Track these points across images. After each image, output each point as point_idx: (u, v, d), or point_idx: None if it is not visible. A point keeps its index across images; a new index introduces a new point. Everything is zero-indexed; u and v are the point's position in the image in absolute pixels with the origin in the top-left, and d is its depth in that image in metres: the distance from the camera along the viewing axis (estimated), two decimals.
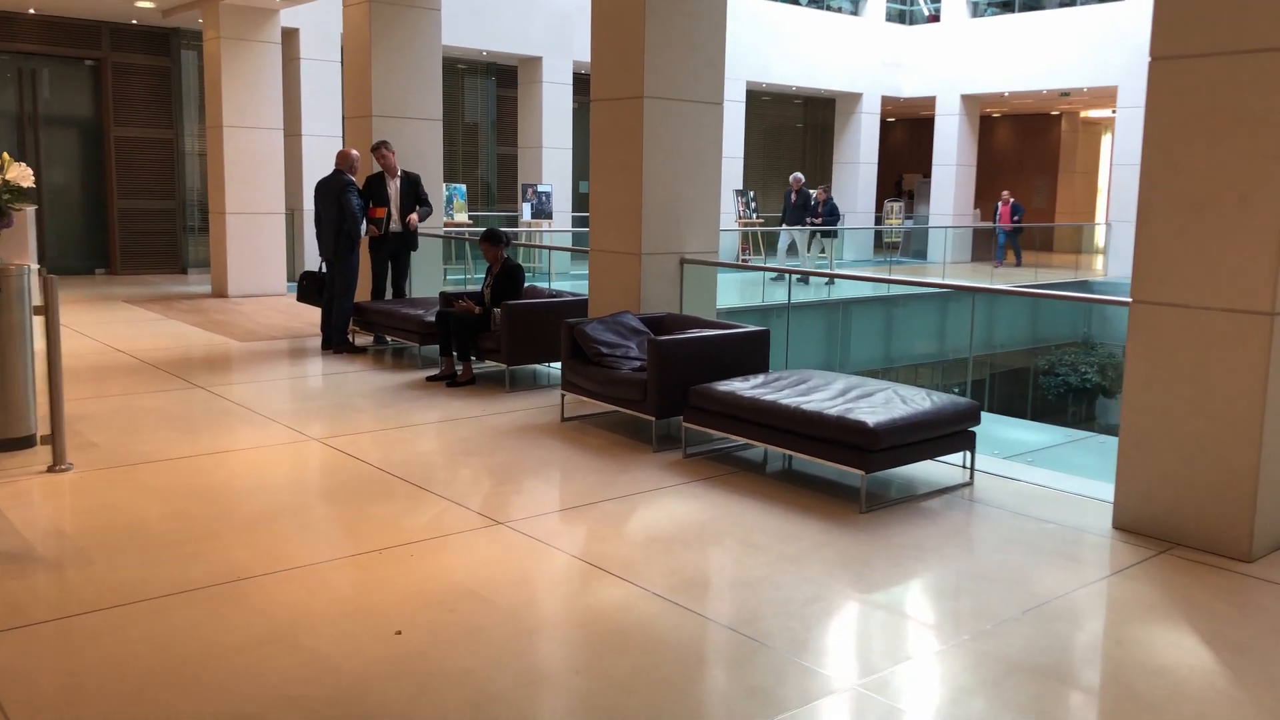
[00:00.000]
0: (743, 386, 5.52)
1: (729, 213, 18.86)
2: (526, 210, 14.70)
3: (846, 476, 5.26)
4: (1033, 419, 18.88)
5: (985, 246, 21.08)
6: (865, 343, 14.87)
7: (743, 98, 19.20)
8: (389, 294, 9.26)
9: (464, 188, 14.22)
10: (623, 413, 6.07)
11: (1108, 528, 4.62)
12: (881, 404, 5.11)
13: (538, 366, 8.08)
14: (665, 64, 6.80)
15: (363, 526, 4.49)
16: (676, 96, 6.89)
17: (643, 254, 6.86)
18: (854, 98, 21.20)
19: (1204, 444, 4.32)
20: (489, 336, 7.42)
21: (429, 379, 7.64)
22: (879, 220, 22.61)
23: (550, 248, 13.74)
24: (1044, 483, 5.32)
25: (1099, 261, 22.78)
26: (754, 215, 18.55)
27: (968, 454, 5.32)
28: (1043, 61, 19.57)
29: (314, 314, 9.90)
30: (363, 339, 9.21)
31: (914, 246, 22.21)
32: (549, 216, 14.84)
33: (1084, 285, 18.07)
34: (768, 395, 5.30)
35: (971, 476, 5.32)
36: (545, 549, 4.24)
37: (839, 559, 4.19)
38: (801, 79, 19.97)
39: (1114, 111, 24.26)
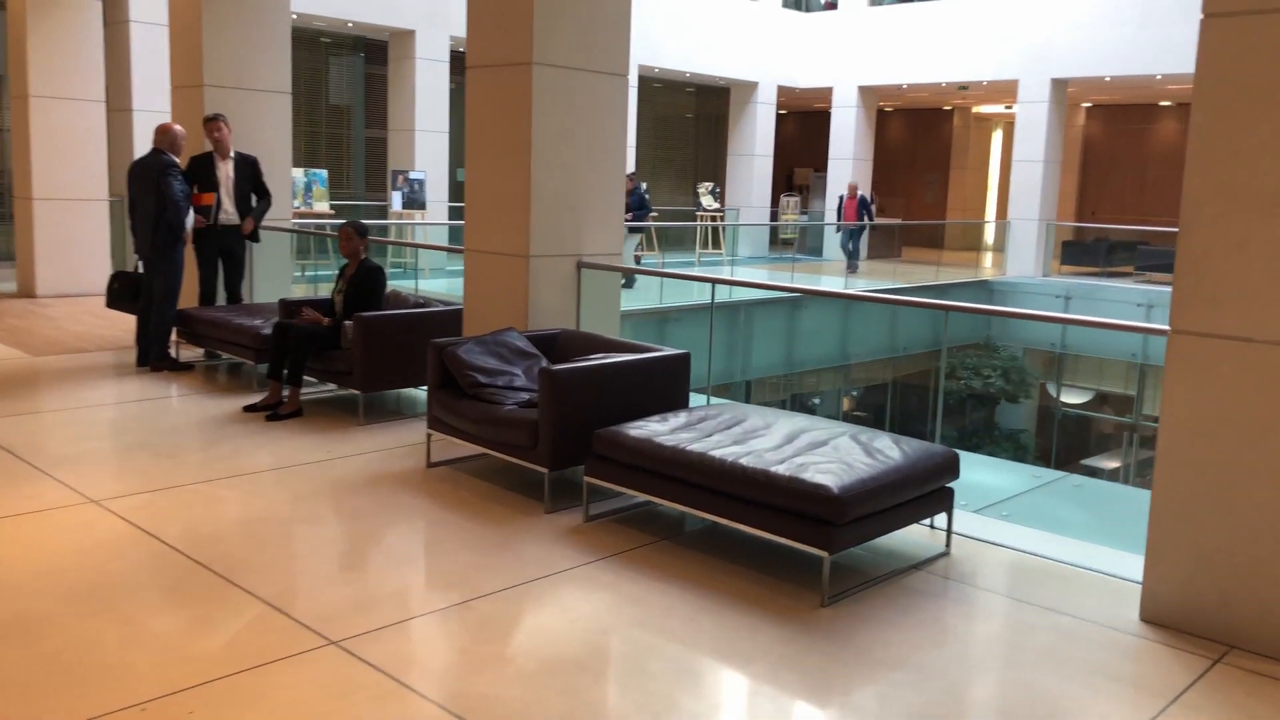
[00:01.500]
0: (661, 430, 4.31)
1: None
2: (397, 199, 13.19)
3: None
4: (932, 421, 18.34)
5: (885, 243, 20.47)
6: (766, 348, 13.90)
7: (634, 82, 18.02)
8: (221, 299, 7.72)
9: (325, 173, 12.61)
10: (507, 460, 4.80)
11: (1135, 621, 3.59)
12: (840, 456, 3.97)
13: (403, 390, 6.70)
14: (560, 25, 5.53)
15: (128, 659, 3.10)
16: (573, 65, 5.63)
17: (531, 256, 5.58)
18: (749, 87, 20.27)
19: (1267, 514, 3.32)
20: (340, 355, 6.02)
21: (246, 409, 6.17)
22: (774, 216, 21.79)
23: (414, 244, 12.15)
24: (1034, 549, 4.28)
25: (988, 259, 22.49)
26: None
27: (944, 515, 4.24)
28: (943, 53, 18.99)
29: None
30: (189, 353, 7.64)
31: (810, 244, 21.46)
32: (422, 207, 13.36)
33: (984, 286, 17.54)
34: (695, 444, 4.10)
35: (948, 542, 4.25)
36: (394, 689, 2.94)
37: (804, 686, 3.03)
38: (695, 64, 18.91)
39: (1008, 107, 24.05)
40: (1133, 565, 3.90)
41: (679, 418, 4.52)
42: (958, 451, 4.24)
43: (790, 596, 3.70)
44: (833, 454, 4.02)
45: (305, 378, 6.12)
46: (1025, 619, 3.60)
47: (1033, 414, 18.04)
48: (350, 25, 15.18)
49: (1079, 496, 5.43)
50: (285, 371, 6.04)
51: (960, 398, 16.15)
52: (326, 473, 5.00)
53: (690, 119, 23.04)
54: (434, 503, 4.63)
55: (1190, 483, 3.47)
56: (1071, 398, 17.87)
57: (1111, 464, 17.91)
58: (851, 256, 18.37)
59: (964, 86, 19.90)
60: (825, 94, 21.05)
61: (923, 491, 4.03)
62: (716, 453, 4.00)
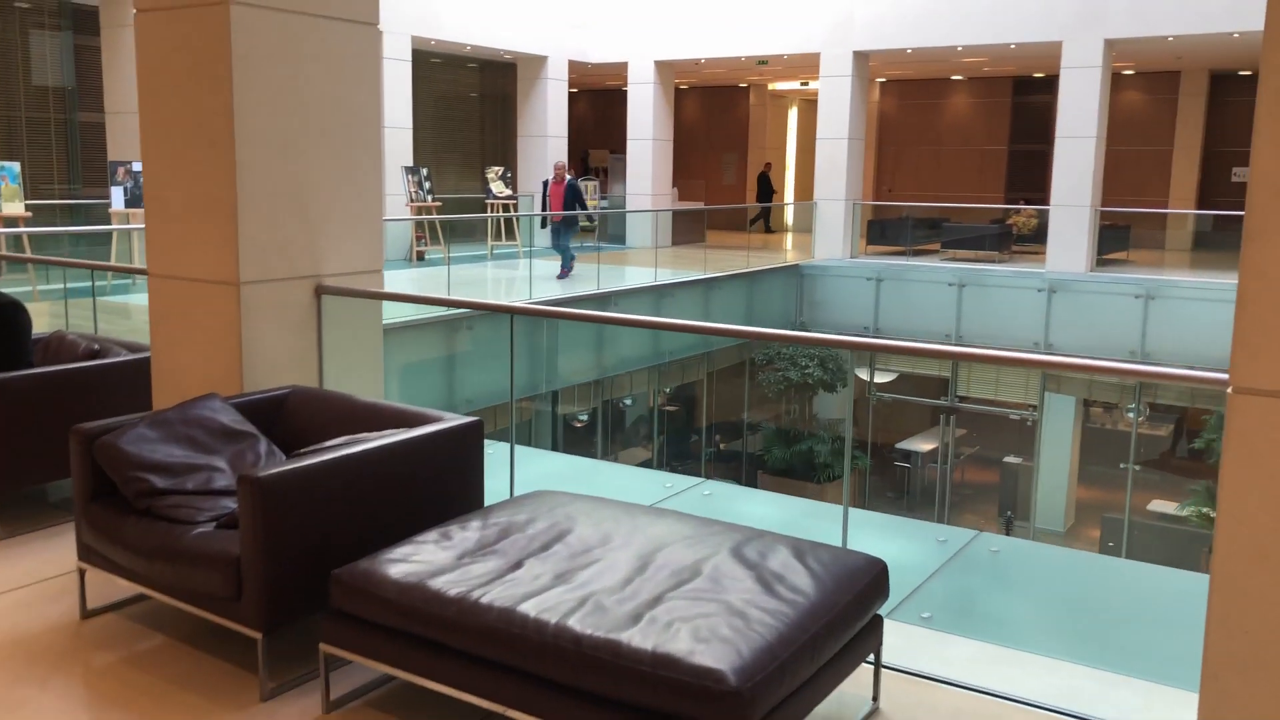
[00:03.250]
0: (440, 562, 2.75)
1: (397, 195, 15.76)
2: (118, 196, 10.85)
3: None
4: (750, 418, 17.51)
5: (690, 228, 19.38)
6: (575, 352, 12.45)
7: (408, 56, 16.08)
8: None
9: (16, 166, 10.10)
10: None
11: None
12: (724, 596, 2.54)
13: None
14: None
15: None
16: (295, 6, 3.91)
17: (243, 282, 3.85)
18: (537, 62, 18.67)
19: None
20: None
21: None
22: None
23: (52, 261, 9.20)
24: (991, 684, 3.01)
25: (789, 240, 21.92)
26: (429, 198, 15.56)
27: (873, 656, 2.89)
28: (742, 26, 18.02)
29: None
30: None
31: (612, 230, 20.14)
32: None
33: (795, 270, 16.74)
34: (496, 588, 2.57)
35: (876, 689, 2.91)
36: None
37: None
38: (476, 36, 17.13)
39: (804, 84, 23.54)
40: (1124, 695, 2.68)
41: (469, 533, 2.96)
42: (884, 560, 2.91)
43: None
44: (712, 593, 2.58)
45: None
46: None
47: (846, 401, 17.46)
48: None
49: (1005, 569, 4.26)
50: None
51: (778, 390, 15.29)
52: None
53: (475, 98, 21.20)
54: (89, 691, 2.88)
55: (1263, 589, 2.24)
56: (885, 380, 17.41)
57: (928, 445, 17.63)
58: (565, 256, 14.24)
59: (764, 61, 19.06)
60: (620, 70, 19.74)
61: (851, 635, 2.66)
62: (531, 607, 2.48)
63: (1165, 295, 14.13)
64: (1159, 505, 15.49)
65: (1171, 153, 21.03)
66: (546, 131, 18.81)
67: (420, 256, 15.30)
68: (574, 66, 19.68)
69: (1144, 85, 21.25)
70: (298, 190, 3.99)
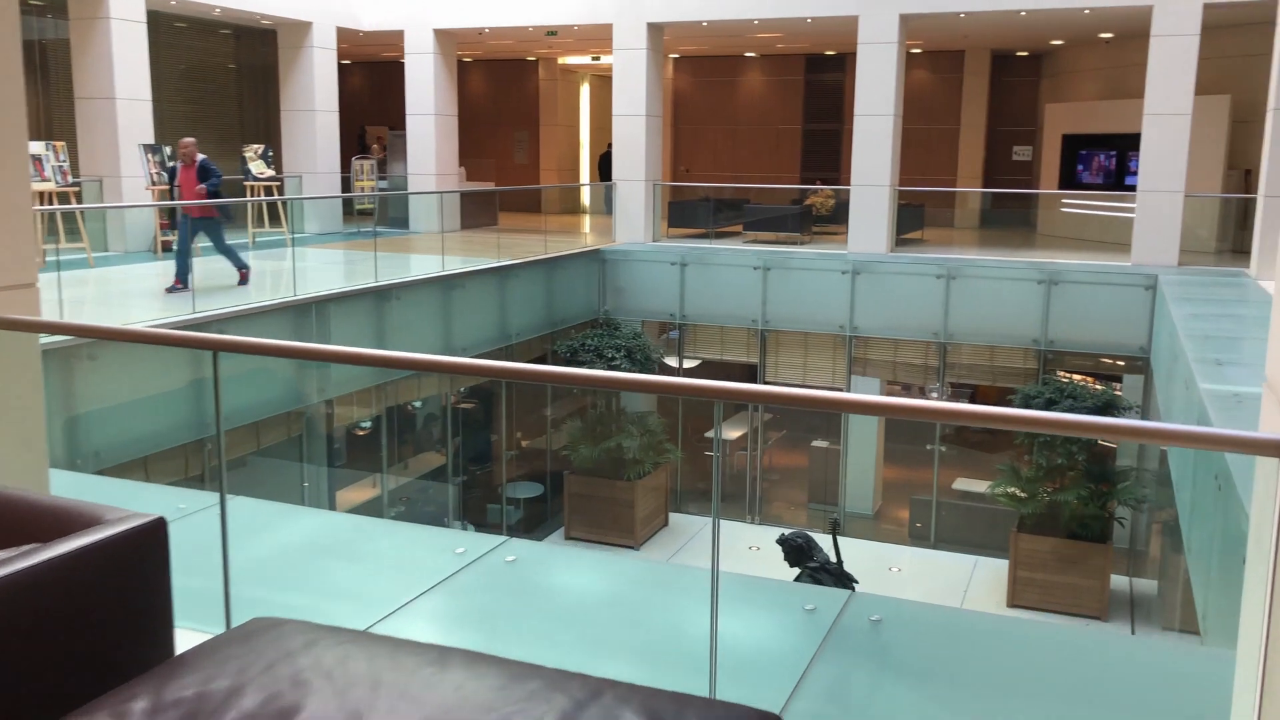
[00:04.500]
0: None
1: (136, 177, 13.60)
2: None
3: None
4: (554, 413, 16.40)
5: (481, 211, 17.96)
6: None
7: (141, 17, 13.87)
8: None
9: None
10: None
11: None
12: None
13: None
14: None
15: None
16: None
17: None
18: (300, 28, 16.71)
19: None
20: None
21: None
22: (347, 183, 18.49)
23: None
24: None
25: (587, 223, 20.93)
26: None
27: None
28: None
29: None
30: None
31: (392, 214, 18.46)
32: None
33: (597, 255, 15.70)
34: None
35: None
36: None
37: None
38: None
39: (596, 58, 22.49)
40: None
41: (184, 693, 1.64)
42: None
43: None
44: None
45: None
46: None
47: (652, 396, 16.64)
48: None
49: (891, 644, 3.31)
50: None
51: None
52: None
53: (232, 69, 18.94)
54: None
55: None
56: (691, 366, 16.69)
57: (736, 432, 17.10)
58: (181, 264, 10.46)
59: (553, 32, 17.85)
60: (397, 39, 18.03)
61: None
62: None
63: (965, 275, 14.01)
64: (964, 484, 15.53)
65: (959, 132, 21.39)
66: (315, 106, 16.89)
67: (167, 247, 13.23)
68: (345, 35, 17.82)
69: (931, 64, 21.50)
70: None
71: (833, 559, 9.50)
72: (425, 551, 4.06)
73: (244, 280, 10.81)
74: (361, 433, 13.77)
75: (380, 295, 11.29)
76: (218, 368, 2.77)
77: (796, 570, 9.22)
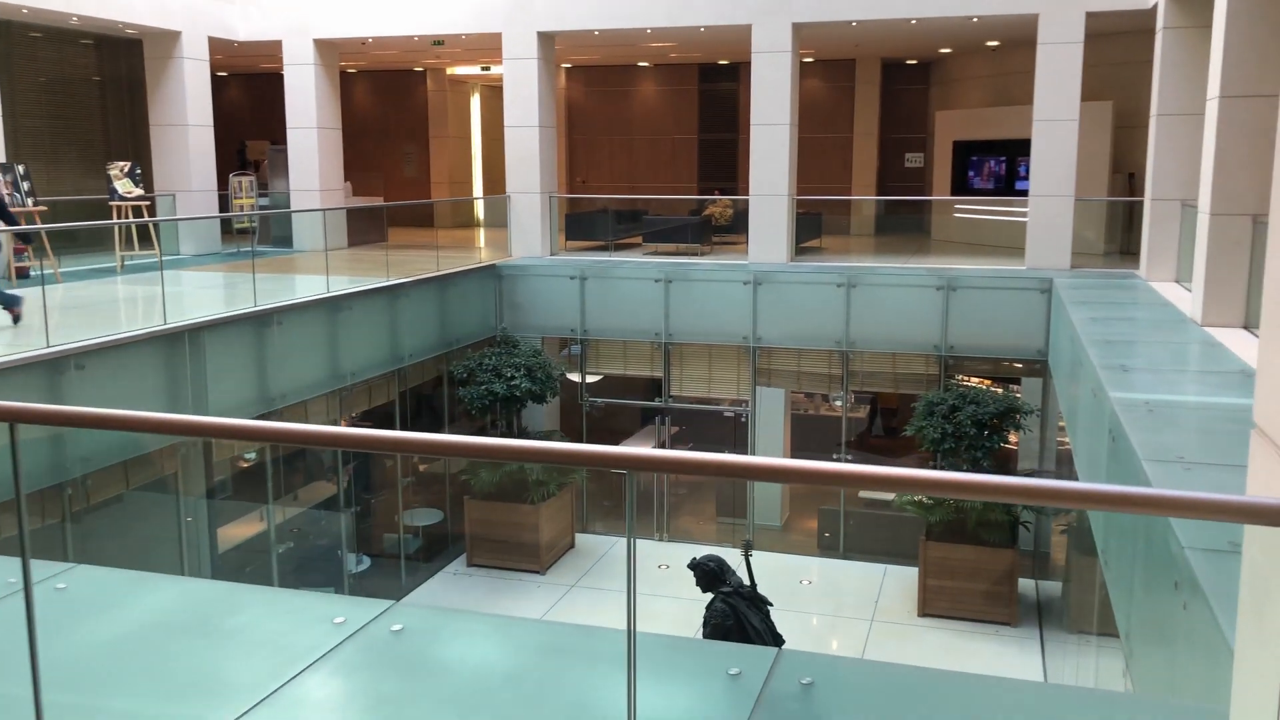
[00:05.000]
0: None
1: None
2: None
3: None
4: (451, 430, 15.75)
5: (369, 227, 17.22)
6: (226, 384, 10.17)
7: None
8: None
9: None
10: None
11: None
12: None
13: None
14: None
15: None
16: None
17: None
18: (169, 38, 15.76)
19: None
20: None
21: None
22: (225, 201, 17.54)
23: None
24: None
25: (481, 237, 20.37)
26: (29, 201, 12.48)
27: None
28: (411, 1, 16.12)
29: None
30: None
31: (275, 232, 17.57)
32: None
33: (492, 271, 15.17)
34: None
35: None
36: None
37: None
38: (85, 6, 14.05)
39: (485, 69, 21.93)
40: None
41: None
42: None
43: None
44: None
45: None
46: None
47: (555, 411, 16.20)
48: None
49: (826, 711, 2.94)
50: None
51: (482, 405, 13.67)
52: None
53: (96, 82, 17.79)
54: None
55: None
56: (594, 380, 16.27)
57: (644, 446, 16.74)
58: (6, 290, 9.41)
59: (439, 42, 17.24)
60: (274, 49, 17.18)
61: None
62: None
63: (865, 282, 13.95)
64: (870, 493, 15.47)
65: (852, 140, 21.50)
66: (187, 120, 15.95)
67: (22, 273, 12.21)
68: (219, 45, 16.91)
69: (823, 73, 21.57)
70: None
71: (746, 582, 9.18)
72: (298, 622, 3.55)
73: (16, 319, 9.07)
74: (246, 464, 12.97)
75: (261, 320, 10.57)
76: (16, 440, 2.25)
77: (709, 596, 8.88)
